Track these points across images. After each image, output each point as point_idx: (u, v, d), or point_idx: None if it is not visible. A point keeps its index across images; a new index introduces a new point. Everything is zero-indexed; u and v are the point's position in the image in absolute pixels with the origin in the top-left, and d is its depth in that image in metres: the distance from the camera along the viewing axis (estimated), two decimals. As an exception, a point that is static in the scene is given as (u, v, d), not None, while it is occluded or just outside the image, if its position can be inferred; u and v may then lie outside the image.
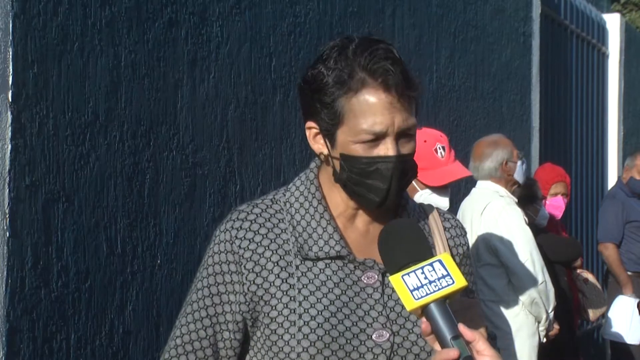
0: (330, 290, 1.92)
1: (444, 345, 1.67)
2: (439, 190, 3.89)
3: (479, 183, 4.87)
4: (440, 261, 1.71)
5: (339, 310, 1.91)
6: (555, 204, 6.09)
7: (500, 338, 4.56)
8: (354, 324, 1.90)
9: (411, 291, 1.68)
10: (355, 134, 1.90)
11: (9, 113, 2.95)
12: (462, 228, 2.13)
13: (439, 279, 1.68)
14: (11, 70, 2.96)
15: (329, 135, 1.94)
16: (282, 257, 1.94)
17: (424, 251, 1.74)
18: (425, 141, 3.90)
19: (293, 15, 4.38)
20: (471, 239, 4.68)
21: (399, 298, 1.70)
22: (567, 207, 6.35)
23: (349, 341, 1.89)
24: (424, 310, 1.68)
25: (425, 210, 2.10)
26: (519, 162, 4.86)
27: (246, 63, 4.06)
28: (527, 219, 4.80)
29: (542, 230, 5.67)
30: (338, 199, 2.00)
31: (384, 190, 1.91)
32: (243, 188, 4.03)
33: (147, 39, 3.54)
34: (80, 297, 3.21)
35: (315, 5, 4.55)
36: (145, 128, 3.52)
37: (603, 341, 8.49)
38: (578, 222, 8.63)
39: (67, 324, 3.16)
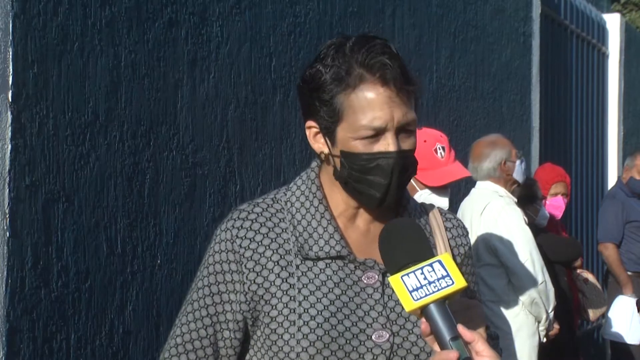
0: (330, 290, 1.92)
1: (443, 346, 1.66)
2: (438, 190, 3.89)
3: (479, 183, 4.87)
4: (440, 262, 1.70)
5: (339, 310, 1.90)
6: (555, 204, 6.09)
7: (500, 338, 4.55)
8: (354, 324, 1.90)
9: (410, 292, 1.67)
10: (354, 130, 1.89)
11: (9, 113, 2.95)
12: (464, 228, 2.13)
13: (438, 279, 1.68)
14: (11, 70, 2.96)
15: (329, 133, 1.94)
16: (282, 257, 1.94)
17: (424, 251, 1.74)
18: (425, 141, 3.90)
19: (293, 15, 4.38)
20: (471, 239, 4.67)
21: (399, 298, 1.70)
22: (567, 207, 6.35)
23: (348, 341, 1.89)
24: (424, 311, 1.68)
25: (426, 209, 2.10)
26: (518, 162, 4.85)
27: (246, 63, 4.06)
28: (526, 219, 4.80)
29: (542, 230, 5.67)
30: (339, 199, 1.99)
31: (385, 186, 1.91)
32: (243, 188, 4.03)
33: (147, 39, 3.54)
34: (80, 297, 3.21)
35: (315, 5, 4.55)
36: (145, 128, 3.52)
37: (603, 341, 8.49)
38: (578, 222, 8.63)
39: (67, 324, 3.16)
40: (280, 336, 1.90)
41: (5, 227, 2.93)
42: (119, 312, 3.38)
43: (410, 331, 1.92)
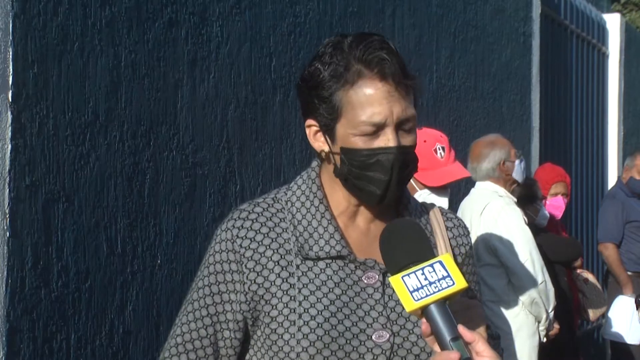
0: (331, 290, 1.92)
1: (443, 346, 1.66)
2: (438, 190, 3.89)
3: (478, 184, 4.87)
4: (440, 262, 1.70)
5: (339, 310, 1.90)
6: (555, 204, 6.09)
7: (500, 338, 4.55)
8: (354, 324, 1.90)
9: (411, 292, 1.67)
10: (354, 126, 1.89)
11: (9, 113, 2.95)
12: (465, 227, 2.12)
13: (439, 280, 1.68)
14: (11, 70, 2.96)
15: (329, 130, 1.94)
16: (283, 257, 1.94)
17: (425, 252, 1.74)
18: (425, 141, 3.90)
19: (293, 15, 4.38)
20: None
21: (399, 298, 1.70)
22: (567, 207, 6.35)
23: (348, 341, 1.89)
24: (424, 312, 1.68)
25: (427, 209, 2.09)
26: (517, 161, 4.85)
27: (246, 63, 4.06)
28: (526, 219, 4.80)
29: (542, 230, 5.67)
30: (339, 197, 1.99)
31: (385, 182, 1.90)
32: (243, 188, 4.03)
33: (147, 39, 3.54)
34: (80, 297, 3.21)
35: (315, 5, 4.55)
36: (145, 128, 3.52)
37: (603, 341, 8.49)
38: (578, 222, 8.63)
39: (67, 324, 3.16)
40: (280, 336, 1.90)
41: (5, 227, 2.93)
42: (119, 312, 3.38)
43: (411, 331, 1.92)
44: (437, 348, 1.68)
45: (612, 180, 9.25)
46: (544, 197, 5.99)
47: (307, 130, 1.99)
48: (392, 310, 1.92)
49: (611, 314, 6.81)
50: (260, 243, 1.95)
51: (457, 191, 5.44)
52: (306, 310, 1.89)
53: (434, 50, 5.83)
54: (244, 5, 4.06)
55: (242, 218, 1.98)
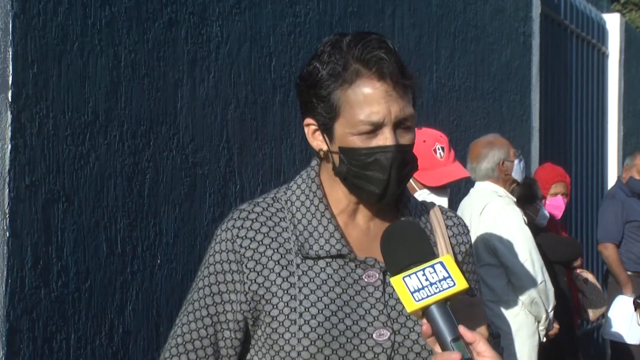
0: (331, 289, 1.92)
1: (444, 347, 1.67)
2: (437, 190, 3.89)
3: (477, 184, 4.87)
4: (441, 263, 1.71)
5: (340, 309, 1.90)
6: (555, 204, 6.09)
7: (500, 338, 4.55)
8: (355, 322, 1.90)
9: (412, 293, 1.68)
10: (352, 125, 1.90)
11: (9, 113, 2.95)
12: (465, 226, 2.13)
13: (439, 280, 1.68)
14: (11, 70, 2.96)
15: (327, 129, 1.94)
16: (283, 256, 1.94)
17: (426, 253, 1.74)
18: (424, 141, 3.90)
19: (293, 15, 4.38)
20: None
21: (400, 299, 1.70)
22: (567, 207, 6.35)
23: (349, 340, 1.89)
24: (425, 312, 1.68)
25: (427, 207, 2.10)
26: (517, 161, 4.85)
27: (246, 63, 4.07)
28: (526, 219, 4.80)
29: (542, 230, 5.67)
30: (339, 195, 1.99)
31: (384, 181, 1.91)
32: (243, 188, 4.03)
33: (147, 39, 3.54)
34: (80, 297, 3.21)
35: (315, 5, 4.55)
36: (145, 128, 3.52)
37: (603, 341, 8.49)
38: (578, 222, 8.63)
39: (67, 324, 3.16)
40: (281, 335, 1.90)
41: (5, 227, 2.93)
42: (119, 312, 3.38)
43: (412, 329, 1.92)
44: (438, 349, 1.69)
45: (612, 180, 9.25)
46: (544, 197, 5.99)
47: (306, 129, 2.00)
48: (393, 308, 1.93)
49: (611, 314, 6.81)
50: (260, 243, 1.95)
51: (457, 191, 5.44)
52: (307, 309, 1.90)
53: (434, 50, 5.83)
54: (244, 5, 4.06)
55: (242, 218, 1.98)
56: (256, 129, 4.12)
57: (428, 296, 1.67)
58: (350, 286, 1.93)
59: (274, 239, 1.96)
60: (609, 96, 9.55)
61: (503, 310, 4.68)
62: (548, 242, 5.60)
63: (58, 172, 3.13)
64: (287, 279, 1.93)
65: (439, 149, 3.93)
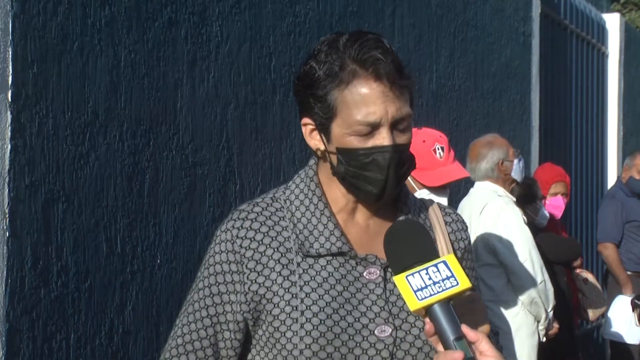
0: (332, 286, 1.92)
1: (447, 346, 1.67)
2: (437, 190, 3.89)
3: (477, 184, 4.87)
4: (444, 262, 1.71)
5: (341, 306, 1.91)
6: (555, 204, 6.09)
7: (500, 338, 4.55)
8: (357, 319, 1.91)
9: (415, 292, 1.68)
10: (349, 125, 1.90)
11: (9, 113, 2.95)
12: (463, 222, 2.14)
13: (443, 280, 1.69)
14: (11, 70, 2.96)
15: (324, 129, 1.94)
16: (283, 255, 1.95)
17: (429, 252, 1.75)
18: (424, 141, 3.90)
19: (293, 15, 4.38)
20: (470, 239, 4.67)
21: (403, 298, 1.71)
22: (567, 207, 6.35)
23: (351, 337, 1.90)
24: (428, 311, 1.69)
25: (425, 205, 2.11)
26: (516, 160, 4.85)
27: (246, 63, 4.07)
28: (525, 219, 4.80)
29: (542, 230, 5.66)
30: (338, 194, 2.00)
31: (382, 181, 1.91)
32: (243, 188, 4.04)
33: (147, 39, 3.54)
34: (80, 297, 3.22)
35: (315, 5, 4.55)
36: (145, 128, 3.52)
37: (603, 341, 8.49)
38: (578, 222, 8.63)
39: (67, 324, 3.16)
40: (283, 334, 1.91)
41: (5, 227, 2.93)
42: (119, 312, 3.38)
43: (413, 324, 1.92)
44: (440, 348, 1.69)
45: (611, 180, 9.25)
46: (544, 197, 5.99)
47: (303, 129, 2.00)
48: (394, 304, 1.93)
49: (611, 313, 6.81)
50: (260, 242, 1.96)
51: (457, 191, 5.44)
52: (308, 307, 1.90)
53: (434, 50, 5.83)
54: (244, 5, 4.06)
55: (241, 218, 1.98)
56: (256, 128, 4.12)
57: (431, 295, 1.67)
58: (351, 283, 1.93)
59: (274, 238, 1.96)
60: (608, 96, 9.55)
61: (503, 310, 4.68)
62: (548, 242, 5.60)
63: (58, 172, 3.13)
64: (288, 278, 1.93)
65: (438, 149, 3.93)
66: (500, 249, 4.63)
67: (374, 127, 1.89)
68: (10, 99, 2.95)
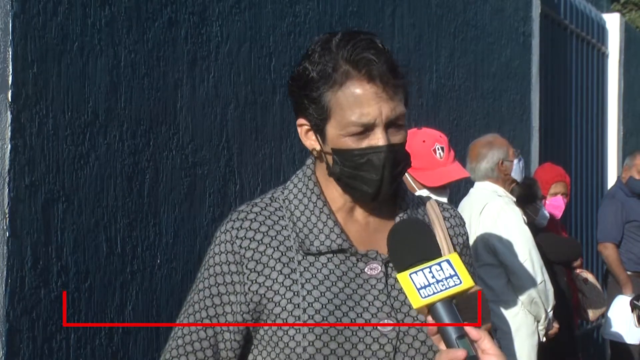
0: (334, 283, 1.92)
1: (449, 344, 1.67)
2: (437, 190, 3.89)
3: (477, 184, 4.87)
4: (448, 261, 1.72)
5: (344, 303, 1.91)
6: (555, 204, 6.09)
7: (499, 338, 4.56)
8: (359, 315, 1.91)
9: (418, 289, 1.69)
10: (343, 126, 1.90)
11: (9, 113, 2.95)
12: (461, 218, 2.15)
13: (446, 278, 1.69)
14: (11, 70, 2.96)
15: (319, 130, 1.95)
16: (283, 254, 1.95)
17: (433, 250, 1.76)
18: (424, 141, 3.90)
19: (293, 15, 4.38)
20: (470, 239, 4.68)
21: (406, 295, 1.71)
22: (567, 207, 6.35)
23: (354, 332, 1.90)
24: (431, 309, 1.69)
25: (423, 201, 2.12)
26: (516, 160, 4.86)
27: (246, 63, 4.07)
28: (525, 219, 4.80)
29: (542, 230, 5.66)
30: (335, 194, 2.00)
31: (377, 181, 1.92)
32: (243, 188, 4.04)
33: (147, 39, 3.54)
34: (80, 297, 3.22)
35: (315, 5, 4.55)
36: (145, 128, 3.52)
37: (603, 341, 8.49)
38: (578, 222, 8.63)
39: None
40: (285, 332, 1.91)
41: (5, 227, 2.93)
42: (119, 312, 3.38)
43: (416, 318, 1.93)
44: (442, 346, 1.69)
45: (611, 180, 9.25)
46: (544, 197, 5.99)
47: (299, 129, 2.01)
48: (396, 298, 1.94)
49: (611, 313, 6.81)
50: (260, 242, 1.96)
51: (457, 191, 5.44)
52: (310, 305, 1.90)
53: (434, 50, 5.83)
54: (244, 5, 4.06)
55: (240, 219, 1.99)
56: (256, 128, 4.12)
57: (434, 293, 1.68)
58: (352, 280, 1.94)
59: (274, 237, 1.96)
60: (608, 96, 9.55)
61: (502, 310, 4.69)
62: (548, 242, 5.60)
63: (58, 172, 3.13)
64: (288, 276, 1.93)
65: (438, 149, 3.93)
66: (500, 249, 4.63)
67: (368, 128, 1.90)
68: (10, 99, 2.95)
